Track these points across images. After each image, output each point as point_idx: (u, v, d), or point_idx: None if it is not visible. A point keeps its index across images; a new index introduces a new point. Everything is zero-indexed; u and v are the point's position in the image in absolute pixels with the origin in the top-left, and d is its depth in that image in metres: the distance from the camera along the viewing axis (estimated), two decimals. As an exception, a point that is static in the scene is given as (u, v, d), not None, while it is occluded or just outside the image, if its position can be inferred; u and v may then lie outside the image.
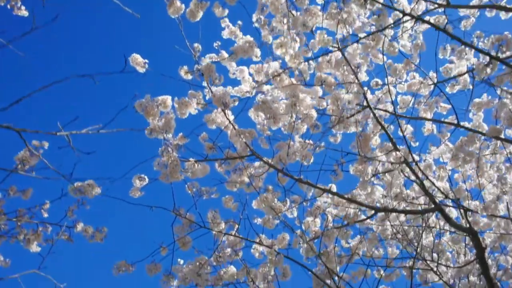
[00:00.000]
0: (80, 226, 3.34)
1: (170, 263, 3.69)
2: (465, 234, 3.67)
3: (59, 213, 3.39)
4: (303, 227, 4.11)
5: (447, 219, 3.47)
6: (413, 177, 3.78)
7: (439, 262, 4.30)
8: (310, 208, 4.45)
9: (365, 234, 4.56)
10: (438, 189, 3.60)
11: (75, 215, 3.33)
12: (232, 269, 4.16)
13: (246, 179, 4.11)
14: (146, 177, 3.93)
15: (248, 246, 4.20)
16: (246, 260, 4.01)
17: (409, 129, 4.81)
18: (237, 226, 3.79)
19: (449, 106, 4.71)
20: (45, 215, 3.41)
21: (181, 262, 4.04)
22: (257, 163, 4.18)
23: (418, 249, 3.69)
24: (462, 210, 3.51)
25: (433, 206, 3.51)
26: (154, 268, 3.50)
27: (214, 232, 3.73)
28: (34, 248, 3.39)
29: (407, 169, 3.73)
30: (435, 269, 4.31)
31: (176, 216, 3.62)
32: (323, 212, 4.28)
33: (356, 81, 3.73)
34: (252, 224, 3.84)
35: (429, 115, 4.68)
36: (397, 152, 3.52)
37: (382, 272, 4.75)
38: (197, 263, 3.62)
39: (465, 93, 4.66)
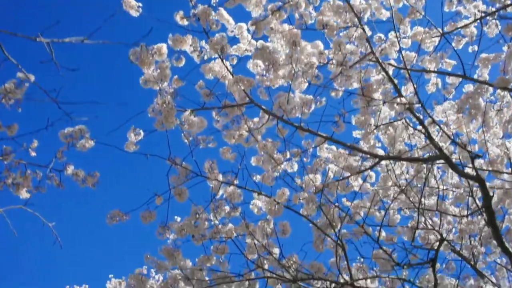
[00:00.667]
0: (70, 169, 3.19)
1: (166, 214, 3.57)
2: (468, 185, 3.53)
3: (48, 155, 3.23)
4: (304, 180, 3.98)
5: (453, 167, 3.34)
6: (418, 127, 3.63)
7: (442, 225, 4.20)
8: (311, 166, 4.33)
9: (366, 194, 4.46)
10: (445, 133, 3.46)
11: (65, 157, 3.18)
12: (230, 225, 4.05)
13: (245, 133, 3.98)
14: (141, 131, 3.80)
15: (247, 202, 4.08)
16: (245, 214, 3.89)
17: (412, 87, 4.66)
18: (235, 178, 3.64)
19: (454, 62, 4.55)
20: (33, 154, 3.26)
21: (178, 219, 3.93)
22: (256, 119, 4.04)
23: (421, 208, 3.55)
24: (469, 157, 3.37)
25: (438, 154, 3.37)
26: (148, 216, 3.37)
27: (211, 184, 3.58)
28: (24, 194, 3.25)
29: (413, 119, 3.59)
30: (437, 228, 4.20)
31: (171, 165, 3.48)
32: (323, 167, 4.15)
33: (359, 25, 3.57)
34: (251, 175, 3.69)
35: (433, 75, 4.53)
36: (402, 98, 3.37)
37: (383, 233, 4.64)
38: (194, 213, 3.49)
39: (472, 51, 4.53)
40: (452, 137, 3.41)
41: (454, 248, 4.90)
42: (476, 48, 4.39)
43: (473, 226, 4.34)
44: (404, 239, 4.52)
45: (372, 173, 4.53)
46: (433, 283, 3.29)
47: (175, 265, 3.92)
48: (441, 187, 4.30)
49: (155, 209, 3.43)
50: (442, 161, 3.49)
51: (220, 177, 3.75)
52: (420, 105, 3.39)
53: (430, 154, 3.53)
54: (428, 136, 3.42)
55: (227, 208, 4.03)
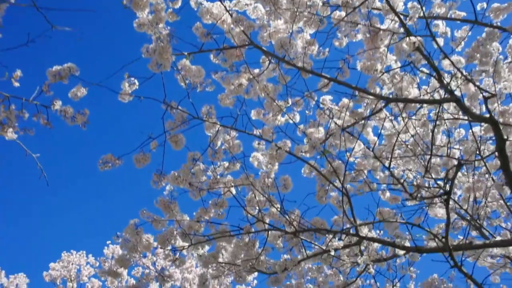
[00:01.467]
0: (57, 105, 2.99)
1: (161, 161, 3.39)
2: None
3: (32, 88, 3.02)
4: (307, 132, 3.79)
5: (465, 109, 3.16)
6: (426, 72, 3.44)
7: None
8: (314, 120, 4.15)
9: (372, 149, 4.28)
10: (458, 69, 3.26)
11: (52, 91, 2.99)
12: (229, 176, 3.88)
13: (245, 82, 3.79)
14: (136, 80, 3.61)
15: (247, 156, 3.90)
16: (245, 165, 3.71)
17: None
18: (235, 121, 3.45)
19: (464, 13, 4.36)
20: (16, 84, 3.07)
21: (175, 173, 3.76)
22: (256, 70, 3.85)
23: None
24: (483, 97, 3.18)
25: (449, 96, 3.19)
26: (142, 159, 3.19)
27: (209, 128, 3.39)
28: (10, 135, 3.06)
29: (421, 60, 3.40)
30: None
31: (167, 108, 3.29)
32: (326, 118, 3.96)
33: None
34: (251, 120, 3.51)
35: (442, 22, 4.32)
36: (411, 38, 3.18)
37: (387, 193, 4.48)
38: (190, 159, 3.31)
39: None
40: (464, 77, 3.21)
41: (460, 213, 4.76)
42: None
43: (480, 185, 4.18)
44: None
45: (375, 138, 4.37)
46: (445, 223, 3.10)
47: (172, 217, 3.76)
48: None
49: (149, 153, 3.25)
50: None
51: (218, 126, 3.57)
52: (432, 37, 3.17)
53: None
54: (438, 77, 3.23)
55: (226, 163, 3.88)
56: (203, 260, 3.98)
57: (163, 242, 3.76)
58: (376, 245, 4.22)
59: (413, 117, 3.59)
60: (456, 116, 3.52)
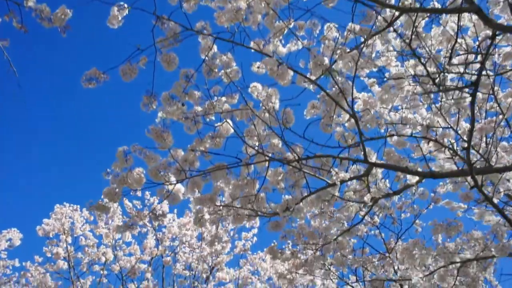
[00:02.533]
0: (31, 1, 2.64)
1: (151, 80, 3.09)
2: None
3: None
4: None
5: (486, 20, 2.84)
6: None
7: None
8: (317, 47, 3.83)
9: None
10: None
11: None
12: (227, 105, 3.59)
13: (243, 5, 3.47)
14: (125, 5, 3.29)
15: (246, 87, 3.60)
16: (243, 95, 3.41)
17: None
18: (232, 36, 3.14)
19: None
20: None
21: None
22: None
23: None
24: (508, 5, 2.87)
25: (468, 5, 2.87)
26: (129, 71, 2.89)
27: (204, 41, 3.08)
28: (-17, 44, 2.76)
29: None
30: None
31: (157, 21, 2.97)
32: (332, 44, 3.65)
33: None
34: (250, 37, 3.19)
35: None
36: None
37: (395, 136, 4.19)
38: (183, 76, 3.02)
39: None
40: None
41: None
42: None
43: (492, 125, 3.89)
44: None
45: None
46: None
47: (165, 148, 3.48)
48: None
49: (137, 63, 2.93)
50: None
51: (215, 49, 3.26)
52: None
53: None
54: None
55: (223, 99, 3.59)
56: (199, 198, 3.73)
57: (155, 175, 3.49)
58: (383, 184, 3.97)
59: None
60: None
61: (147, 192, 8.65)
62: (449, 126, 3.83)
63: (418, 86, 3.84)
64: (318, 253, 4.76)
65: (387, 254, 4.42)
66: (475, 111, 2.69)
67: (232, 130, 3.71)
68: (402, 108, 4.12)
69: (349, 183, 4.14)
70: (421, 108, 4.14)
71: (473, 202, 4.43)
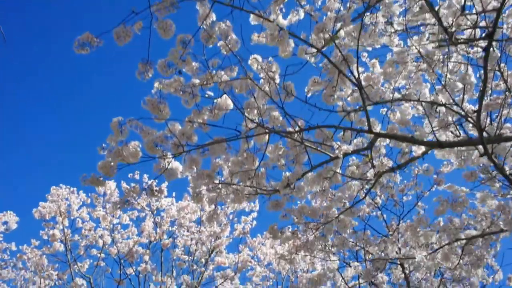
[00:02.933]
0: None
1: (147, 47, 2.96)
2: None
3: None
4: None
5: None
6: None
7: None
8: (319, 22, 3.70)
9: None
10: None
11: None
12: (225, 76, 3.46)
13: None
14: None
15: (245, 59, 3.47)
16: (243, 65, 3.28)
17: None
18: None
19: None
20: None
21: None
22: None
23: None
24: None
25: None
26: (123, 34, 2.76)
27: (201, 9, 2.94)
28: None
29: None
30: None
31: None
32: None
33: None
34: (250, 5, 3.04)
35: None
36: None
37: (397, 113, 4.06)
38: (180, 43, 2.89)
39: None
40: None
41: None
42: None
43: (499, 102, 3.76)
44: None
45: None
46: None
47: (161, 120, 3.36)
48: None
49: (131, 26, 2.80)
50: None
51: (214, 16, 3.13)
52: None
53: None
54: None
55: (222, 72, 3.46)
56: (197, 174, 3.62)
57: (151, 148, 3.37)
58: (386, 161, 3.85)
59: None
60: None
61: (145, 175, 8.56)
62: (454, 103, 3.71)
63: (423, 63, 3.72)
64: (318, 234, 4.66)
65: (390, 233, 4.32)
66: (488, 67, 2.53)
67: (231, 105, 3.60)
68: (406, 86, 4.00)
69: (351, 162, 4.04)
70: (424, 88, 4.02)
71: (477, 183, 4.33)
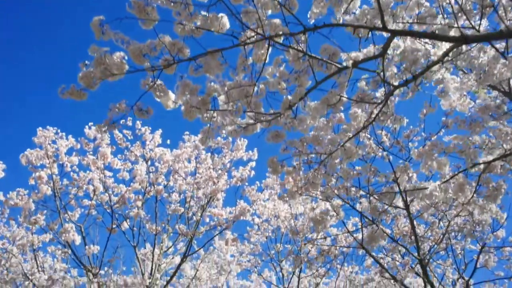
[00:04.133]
0: None
1: None
2: None
3: None
4: None
5: None
6: None
7: None
8: None
9: None
10: None
11: None
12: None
13: None
14: None
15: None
16: None
17: None
18: None
19: None
20: None
21: None
22: None
23: None
24: None
25: None
26: None
27: None
28: None
29: None
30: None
31: None
32: None
33: None
34: None
35: None
36: None
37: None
38: None
39: None
40: None
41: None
42: None
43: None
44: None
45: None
46: None
47: (149, 26, 2.99)
48: None
49: None
50: None
51: None
52: None
53: None
54: None
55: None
56: (190, 88, 3.27)
57: (138, 57, 3.01)
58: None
59: None
60: None
61: (138, 122, 8.19)
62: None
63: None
64: (322, 168, 4.35)
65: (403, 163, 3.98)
66: None
67: (227, 26, 3.23)
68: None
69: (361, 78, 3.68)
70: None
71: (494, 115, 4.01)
